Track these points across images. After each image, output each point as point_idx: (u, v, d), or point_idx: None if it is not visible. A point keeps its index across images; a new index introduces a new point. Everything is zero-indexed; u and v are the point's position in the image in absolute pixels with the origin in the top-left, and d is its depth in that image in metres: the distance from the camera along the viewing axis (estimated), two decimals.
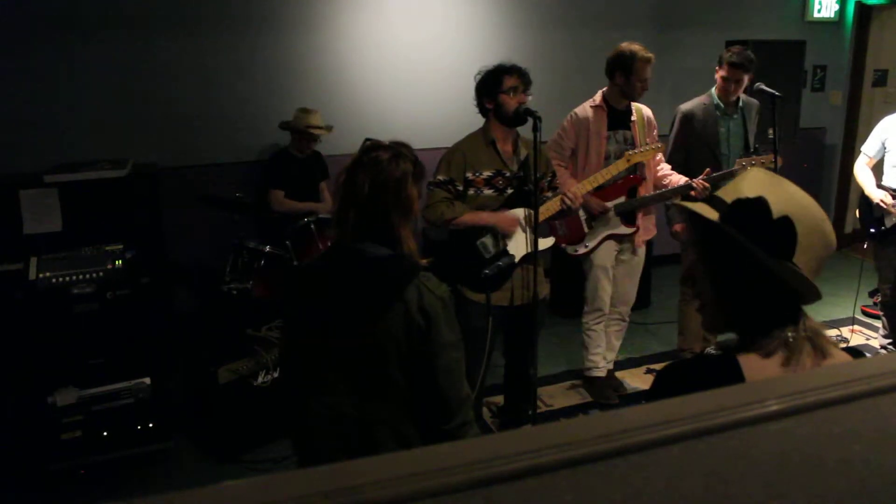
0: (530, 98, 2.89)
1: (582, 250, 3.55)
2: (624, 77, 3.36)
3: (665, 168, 3.66)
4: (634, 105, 3.51)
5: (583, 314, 3.71)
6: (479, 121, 3.01)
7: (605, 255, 3.55)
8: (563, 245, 3.57)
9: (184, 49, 4.27)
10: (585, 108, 3.48)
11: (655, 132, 3.61)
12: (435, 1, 4.81)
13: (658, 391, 1.25)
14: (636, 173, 3.50)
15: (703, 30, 5.44)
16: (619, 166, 3.23)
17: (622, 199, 3.48)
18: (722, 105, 3.79)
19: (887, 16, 6.31)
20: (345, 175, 1.73)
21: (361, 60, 4.68)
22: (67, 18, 4.00)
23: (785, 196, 1.10)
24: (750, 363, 1.09)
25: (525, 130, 2.88)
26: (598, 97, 3.49)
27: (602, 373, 3.74)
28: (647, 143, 3.39)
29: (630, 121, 3.49)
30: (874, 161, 3.97)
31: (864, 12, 6.24)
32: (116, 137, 4.17)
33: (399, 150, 1.75)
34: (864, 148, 4.02)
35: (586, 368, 3.77)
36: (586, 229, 3.51)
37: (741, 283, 1.12)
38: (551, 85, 4.94)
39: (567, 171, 3.44)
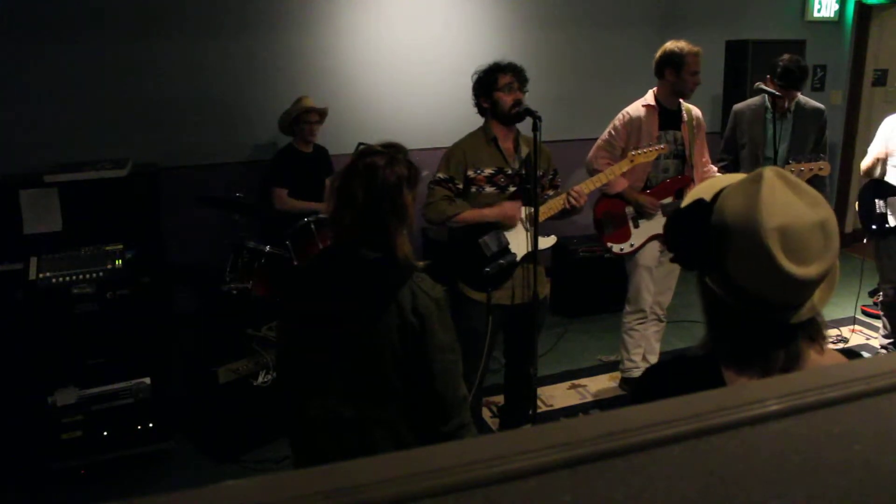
0: (526, 95, 2.90)
1: (627, 249, 3.55)
2: (675, 73, 3.38)
3: (712, 170, 3.67)
4: (685, 105, 3.52)
5: (624, 314, 3.70)
6: (479, 120, 3.01)
7: (650, 255, 3.56)
8: (609, 244, 3.58)
9: (183, 49, 4.27)
10: (637, 108, 3.49)
11: (703, 133, 3.62)
12: (435, 1, 4.81)
13: (640, 392, 1.25)
14: (684, 174, 3.52)
15: (703, 30, 5.43)
16: (622, 166, 3.22)
17: (670, 200, 3.50)
18: (770, 106, 3.79)
19: (887, 16, 6.31)
20: (339, 181, 1.73)
21: (361, 60, 4.68)
22: (67, 18, 4.00)
23: (741, 201, 1.00)
24: (728, 369, 1.08)
25: (525, 129, 2.88)
26: (649, 97, 3.50)
27: (640, 374, 3.73)
28: (650, 144, 3.39)
29: (681, 121, 3.51)
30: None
31: (864, 12, 6.24)
32: (116, 137, 4.17)
33: (393, 154, 1.74)
34: (870, 149, 4.06)
35: (625, 369, 3.76)
36: (633, 228, 3.53)
37: (704, 293, 1.09)
38: (551, 85, 4.95)
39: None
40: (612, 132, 3.51)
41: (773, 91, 3.54)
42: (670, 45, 3.41)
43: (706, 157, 3.67)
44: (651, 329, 3.75)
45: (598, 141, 3.56)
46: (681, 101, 3.51)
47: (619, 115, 3.51)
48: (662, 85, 3.48)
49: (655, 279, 3.63)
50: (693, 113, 3.55)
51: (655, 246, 3.56)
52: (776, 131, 3.62)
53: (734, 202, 1.01)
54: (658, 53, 3.45)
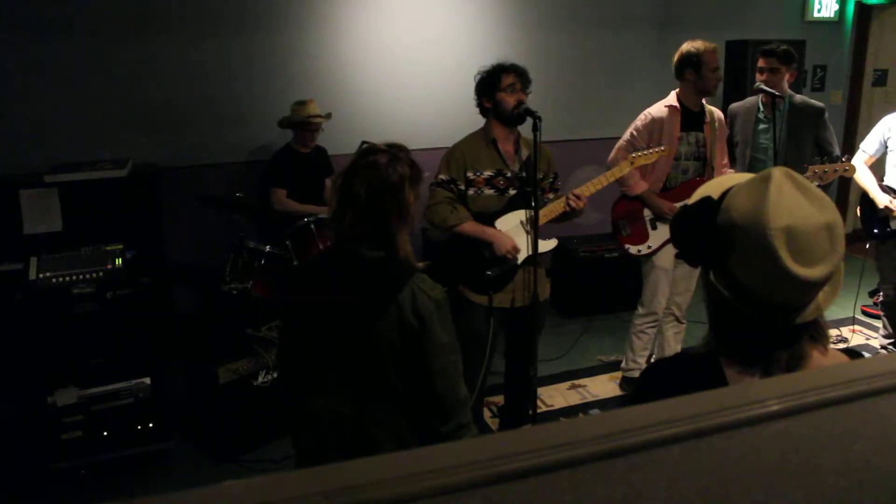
0: (529, 96, 2.89)
1: (645, 251, 3.53)
2: (695, 72, 3.36)
3: (732, 172, 3.65)
4: (708, 108, 3.50)
5: (635, 315, 3.67)
6: (479, 121, 3.00)
7: (667, 256, 3.52)
8: (626, 245, 3.56)
9: (183, 49, 4.26)
10: (660, 108, 3.46)
11: (724, 136, 3.60)
12: (435, 1, 4.81)
13: (642, 389, 1.25)
14: (704, 176, 3.50)
15: (703, 30, 5.41)
16: (622, 168, 3.21)
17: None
18: (761, 106, 3.77)
19: (887, 16, 6.31)
20: (342, 179, 1.73)
21: (361, 60, 4.68)
22: (67, 19, 4.00)
23: (747, 199, 1.00)
24: (730, 368, 1.07)
25: (526, 129, 2.87)
26: (672, 98, 3.48)
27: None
28: (649, 146, 3.37)
29: (704, 122, 3.48)
30: (873, 159, 3.96)
31: (864, 12, 6.24)
32: (116, 137, 4.17)
33: (396, 153, 1.74)
34: (863, 145, 3.99)
35: (627, 369, 3.75)
36: (650, 230, 3.50)
37: (708, 291, 1.09)
38: (552, 86, 4.95)
39: (637, 173, 3.43)
40: (634, 133, 3.47)
41: (773, 91, 3.52)
42: (686, 45, 3.39)
43: (726, 161, 3.63)
44: (671, 331, 3.73)
45: (620, 141, 3.52)
46: (704, 102, 3.48)
47: (641, 116, 3.48)
48: (685, 86, 3.44)
49: (674, 280, 3.60)
50: (716, 115, 3.51)
51: (673, 247, 3.51)
52: (775, 132, 3.59)
53: (741, 201, 1.01)
54: (676, 56, 3.42)
